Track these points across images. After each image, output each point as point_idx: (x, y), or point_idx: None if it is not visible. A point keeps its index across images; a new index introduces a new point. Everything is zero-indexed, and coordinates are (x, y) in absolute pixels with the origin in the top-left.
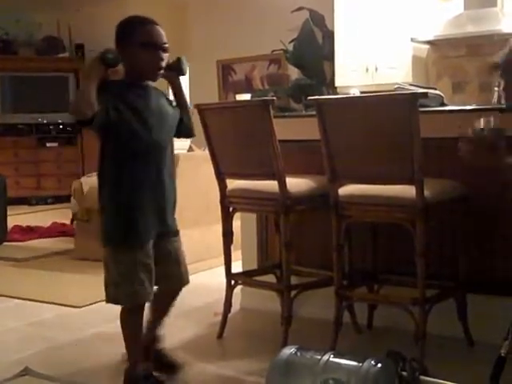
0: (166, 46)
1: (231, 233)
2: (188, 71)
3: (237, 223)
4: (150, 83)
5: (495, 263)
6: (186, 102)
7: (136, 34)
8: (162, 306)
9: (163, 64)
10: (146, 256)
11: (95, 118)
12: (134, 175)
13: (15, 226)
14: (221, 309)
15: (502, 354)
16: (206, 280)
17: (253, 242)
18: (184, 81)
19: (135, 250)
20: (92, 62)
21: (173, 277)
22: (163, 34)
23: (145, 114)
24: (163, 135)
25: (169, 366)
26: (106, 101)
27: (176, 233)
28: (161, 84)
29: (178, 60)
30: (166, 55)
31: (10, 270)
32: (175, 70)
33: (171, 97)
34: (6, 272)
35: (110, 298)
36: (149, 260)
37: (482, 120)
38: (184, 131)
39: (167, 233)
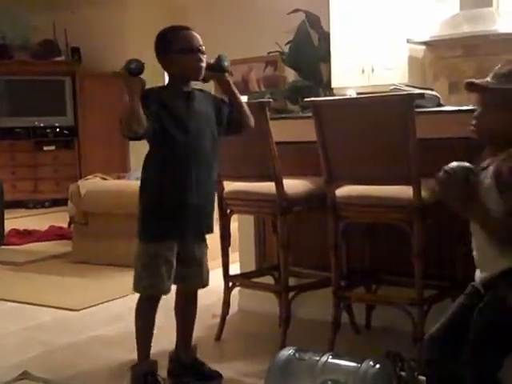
0: (203, 47)
1: (229, 235)
2: (228, 67)
3: (234, 225)
4: (194, 87)
5: None
6: (237, 98)
7: (174, 43)
8: (181, 307)
9: (202, 64)
10: (168, 251)
11: (145, 134)
12: (173, 179)
13: (12, 229)
14: (219, 311)
15: None
16: None
17: (250, 244)
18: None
19: (159, 245)
20: (122, 78)
21: (191, 278)
22: (198, 37)
23: (185, 119)
24: (204, 139)
25: (208, 377)
26: (150, 114)
27: (208, 232)
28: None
29: (218, 58)
30: (203, 56)
31: (8, 274)
32: (216, 68)
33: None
34: (3, 276)
35: (134, 288)
36: (171, 255)
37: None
38: (233, 128)
39: (199, 235)
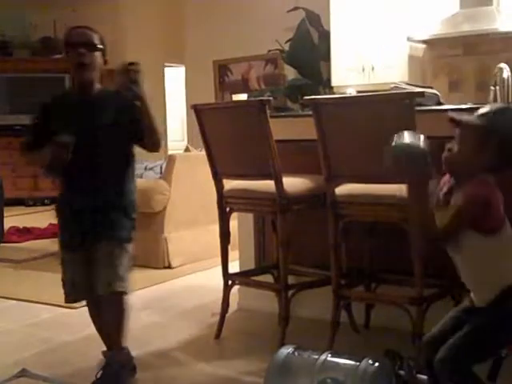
0: (86, 42)
1: (228, 233)
2: (139, 80)
3: (234, 223)
4: (99, 87)
5: None
6: (147, 114)
7: (63, 42)
8: (93, 314)
9: (81, 59)
10: (75, 258)
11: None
12: (68, 185)
13: (12, 227)
14: (218, 309)
15: (502, 355)
16: (203, 280)
17: (250, 242)
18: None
19: (65, 252)
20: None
21: (94, 283)
22: (85, 33)
23: (73, 123)
24: (99, 143)
25: None
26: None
27: (113, 237)
28: None
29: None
30: (87, 52)
31: (7, 272)
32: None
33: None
34: (3, 273)
35: None
36: (78, 263)
37: (406, 134)
38: (135, 137)
39: (104, 236)
